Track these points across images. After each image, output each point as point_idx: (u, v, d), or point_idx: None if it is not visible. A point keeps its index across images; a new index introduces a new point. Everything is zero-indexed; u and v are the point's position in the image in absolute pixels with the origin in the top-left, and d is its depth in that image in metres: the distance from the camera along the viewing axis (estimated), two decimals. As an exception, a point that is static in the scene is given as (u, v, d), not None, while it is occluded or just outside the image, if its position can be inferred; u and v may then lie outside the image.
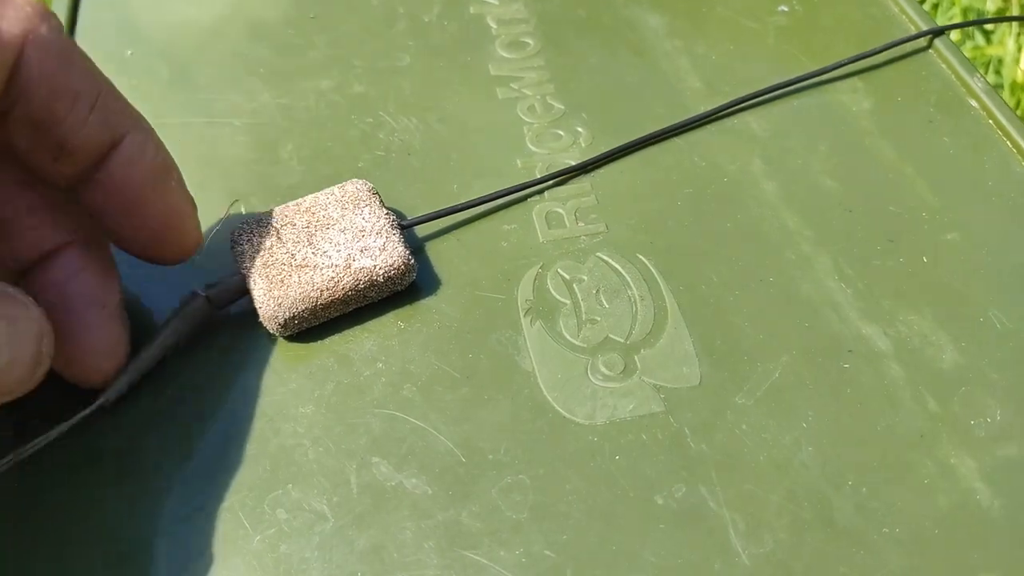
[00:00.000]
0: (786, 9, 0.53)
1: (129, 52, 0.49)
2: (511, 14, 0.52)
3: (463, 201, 0.41)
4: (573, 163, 0.44)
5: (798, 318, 0.38)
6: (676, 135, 0.46)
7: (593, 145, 0.45)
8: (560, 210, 0.42)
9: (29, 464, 0.31)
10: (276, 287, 0.36)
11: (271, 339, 0.37)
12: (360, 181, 0.39)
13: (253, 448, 0.34)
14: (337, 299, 0.36)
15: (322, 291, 0.36)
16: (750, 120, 0.46)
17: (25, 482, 0.33)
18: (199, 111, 0.46)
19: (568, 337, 0.38)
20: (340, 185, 0.39)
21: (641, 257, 0.40)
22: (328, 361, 0.37)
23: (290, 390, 0.36)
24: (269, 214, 0.38)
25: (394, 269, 0.37)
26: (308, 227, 0.37)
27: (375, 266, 0.37)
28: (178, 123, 0.46)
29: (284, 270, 0.36)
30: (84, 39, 0.44)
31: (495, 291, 0.39)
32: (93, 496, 0.33)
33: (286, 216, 0.38)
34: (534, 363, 0.37)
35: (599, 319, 0.38)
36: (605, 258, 0.40)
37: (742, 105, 0.47)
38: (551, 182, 0.43)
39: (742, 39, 0.51)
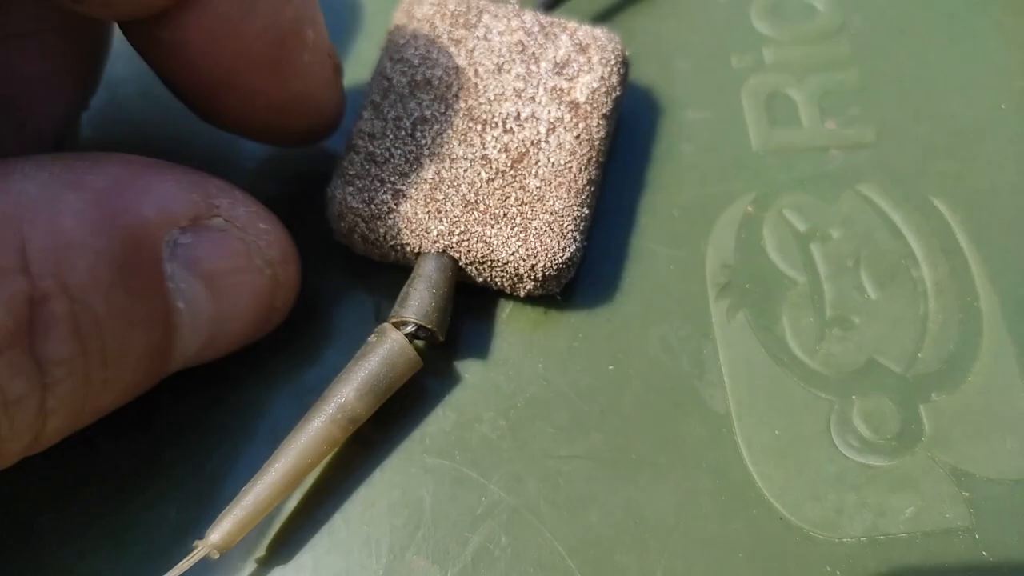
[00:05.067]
0: None
1: None
2: None
3: None
4: None
5: None
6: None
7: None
8: (793, 93, 0.23)
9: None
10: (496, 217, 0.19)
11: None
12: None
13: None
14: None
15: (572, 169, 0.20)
16: None
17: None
18: None
19: (797, 352, 0.20)
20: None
21: (938, 204, 0.22)
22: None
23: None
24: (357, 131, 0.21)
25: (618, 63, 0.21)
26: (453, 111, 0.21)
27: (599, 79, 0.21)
28: None
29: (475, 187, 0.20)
30: None
31: (667, 243, 0.21)
32: None
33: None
34: (730, 401, 0.20)
35: (857, 321, 0.20)
36: (872, 197, 0.22)
37: None
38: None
39: None
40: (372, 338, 0.19)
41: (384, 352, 0.18)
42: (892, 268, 0.21)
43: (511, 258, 0.19)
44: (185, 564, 0.17)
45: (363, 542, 0.18)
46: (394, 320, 0.19)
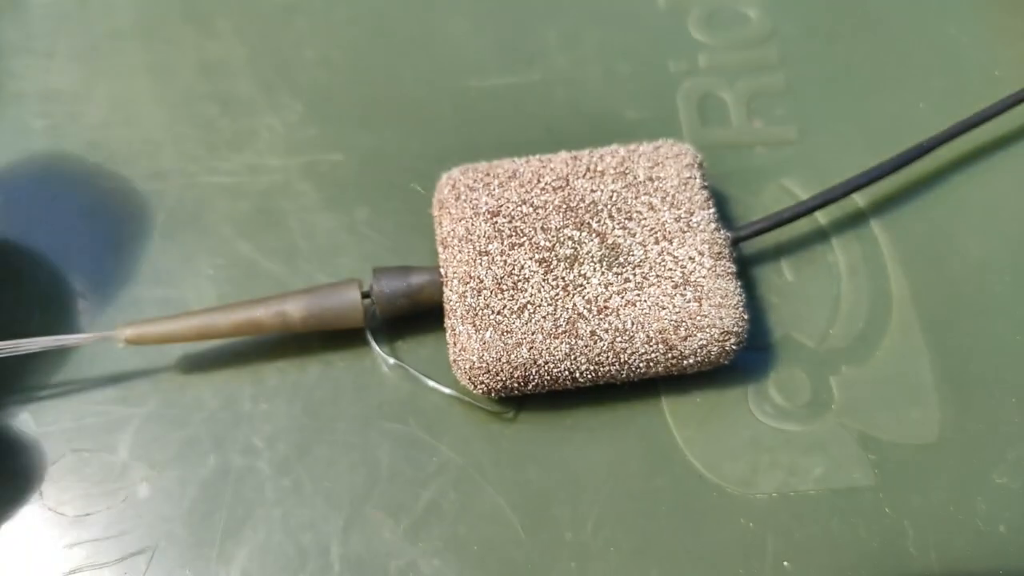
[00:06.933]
0: None
1: None
2: None
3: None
4: None
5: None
6: None
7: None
8: (724, 94, 0.25)
9: None
10: (487, 323, 0.21)
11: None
12: (679, 144, 0.23)
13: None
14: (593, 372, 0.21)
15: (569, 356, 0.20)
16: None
17: None
18: None
19: (720, 329, 0.22)
20: (636, 144, 0.23)
21: (856, 199, 0.24)
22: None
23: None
24: (486, 173, 0.22)
25: (721, 340, 0.20)
26: (563, 213, 0.22)
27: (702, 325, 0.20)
28: None
29: (514, 292, 0.21)
30: None
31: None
32: None
33: (516, 188, 0.22)
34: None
35: (776, 301, 0.22)
36: (793, 189, 0.24)
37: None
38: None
39: None
40: (342, 281, 0.21)
41: (338, 294, 0.21)
42: (809, 253, 0.23)
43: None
44: (90, 337, 0.21)
45: (326, 497, 0.21)
46: (376, 271, 0.22)
